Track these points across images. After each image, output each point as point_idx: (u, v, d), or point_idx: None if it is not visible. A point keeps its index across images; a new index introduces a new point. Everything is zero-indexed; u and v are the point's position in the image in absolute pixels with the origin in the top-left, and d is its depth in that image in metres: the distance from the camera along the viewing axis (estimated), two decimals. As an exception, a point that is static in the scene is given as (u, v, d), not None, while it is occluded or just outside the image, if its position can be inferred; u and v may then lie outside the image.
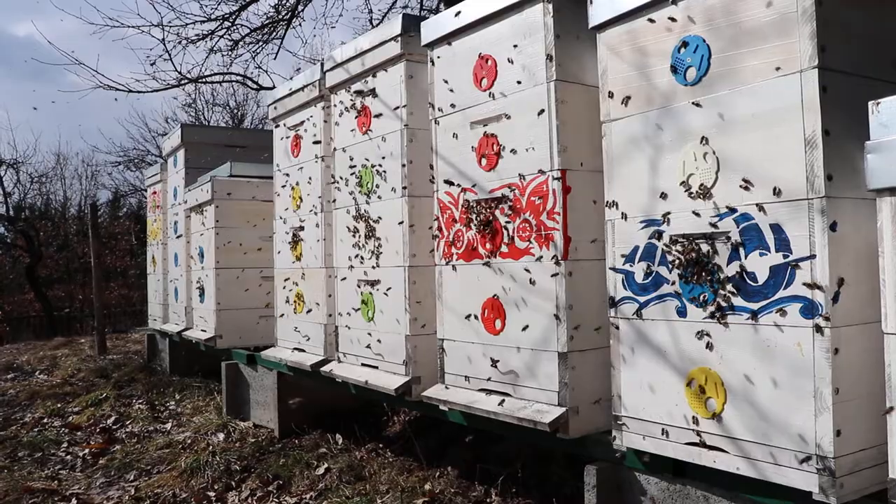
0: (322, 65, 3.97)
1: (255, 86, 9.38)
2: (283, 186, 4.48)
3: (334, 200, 3.81)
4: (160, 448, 4.54)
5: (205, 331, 5.61)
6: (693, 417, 2.06)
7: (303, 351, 4.21)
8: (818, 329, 1.77)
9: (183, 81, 8.26)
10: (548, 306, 2.48)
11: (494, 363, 2.69)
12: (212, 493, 3.75)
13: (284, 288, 4.44)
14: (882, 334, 1.65)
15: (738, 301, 1.94)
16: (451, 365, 2.93)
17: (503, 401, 2.64)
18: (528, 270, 2.56)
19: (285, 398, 4.49)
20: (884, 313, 1.64)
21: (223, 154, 6.22)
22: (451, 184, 2.92)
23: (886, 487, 1.65)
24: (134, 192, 19.75)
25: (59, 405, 5.94)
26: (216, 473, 3.95)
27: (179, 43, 8.25)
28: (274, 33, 9.04)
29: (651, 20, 2.18)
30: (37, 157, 33.86)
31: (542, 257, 2.51)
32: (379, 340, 3.41)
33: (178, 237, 6.51)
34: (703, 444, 2.04)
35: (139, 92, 8.08)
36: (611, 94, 2.30)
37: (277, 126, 4.58)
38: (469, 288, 2.82)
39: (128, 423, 5.31)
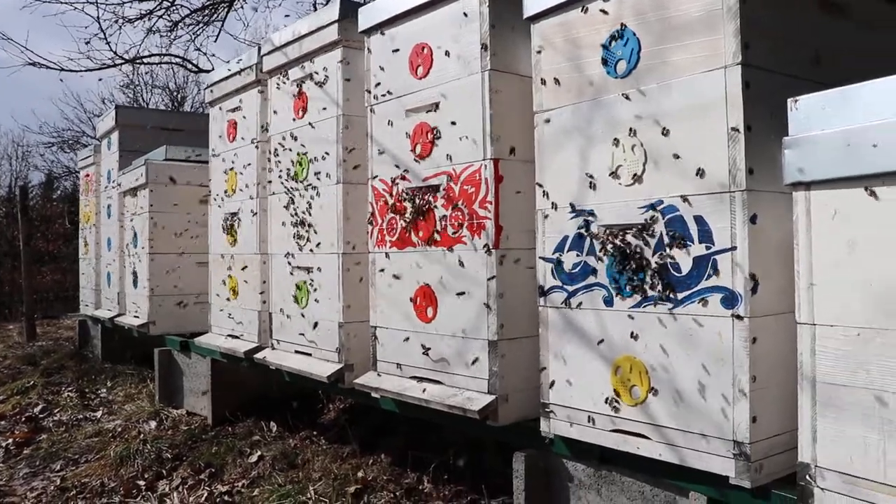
0: (259, 48, 3.90)
1: (194, 68, 9.18)
2: (219, 171, 4.40)
3: (270, 186, 3.76)
4: (89, 437, 4.44)
5: (138, 317, 5.49)
6: (618, 405, 2.09)
7: (237, 337, 4.15)
8: (737, 319, 1.81)
9: (118, 62, 8.02)
10: (479, 295, 2.49)
11: (426, 351, 2.69)
12: (142, 482, 3.68)
13: (219, 274, 4.37)
14: (796, 324, 1.70)
15: (662, 291, 1.97)
16: (383, 352, 2.93)
17: (433, 388, 2.65)
18: (459, 259, 2.57)
19: (219, 385, 4.43)
20: (797, 304, 1.69)
21: (159, 137, 6.07)
22: (385, 171, 2.90)
23: (796, 471, 1.70)
24: (68, 174, 19.11)
25: (-19, 394, 5.76)
26: (147, 462, 3.88)
27: (116, 22, 8.01)
28: (215, 15, 8.86)
29: (584, 12, 2.19)
30: (-38, 137, 32.36)
31: (473, 246, 2.52)
32: (313, 327, 3.38)
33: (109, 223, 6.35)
34: (627, 431, 2.07)
35: (72, 71, 7.82)
36: (543, 84, 2.31)
37: (214, 109, 4.49)
38: (402, 276, 2.82)
39: (56, 411, 5.17)
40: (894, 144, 1.49)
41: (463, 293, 2.55)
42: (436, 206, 2.66)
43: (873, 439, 1.54)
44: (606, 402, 2.12)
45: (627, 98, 2.06)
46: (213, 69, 6.91)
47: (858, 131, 1.56)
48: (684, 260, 1.92)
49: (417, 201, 2.73)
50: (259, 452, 3.83)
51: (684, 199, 1.92)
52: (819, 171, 1.64)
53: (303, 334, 3.46)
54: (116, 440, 4.27)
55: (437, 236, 2.66)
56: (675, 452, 1.95)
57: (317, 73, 3.39)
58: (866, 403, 1.55)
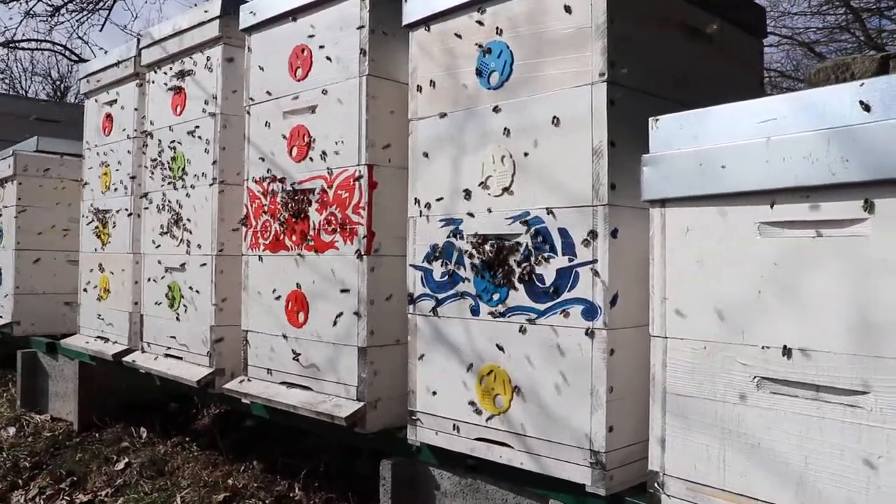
0: (139, 41, 3.74)
1: (75, 58, 8.72)
2: (93, 166, 4.18)
3: (145, 183, 3.59)
4: (-64, 446, 4.11)
5: (1, 317, 5.14)
6: (482, 413, 2.08)
7: (106, 340, 3.94)
8: (596, 331, 1.83)
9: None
10: (349, 301, 2.44)
11: (296, 356, 2.62)
12: (-8, 493, 3.44)
13: (89, 273, 4.15)
14: (650, 337, 1.74)
15: (526, 301, 1.98)
16: (254, 357, 2.83)
17: (303, 394, 2.58)
18: (332, 264, 2.51)
19: (87, 389, 4.20)
20: (651, 317, 1.72)
21: (32, 127, 5.74)
22: (261, 173, 2.82)
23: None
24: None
25: None
26: (1, 471, 3.63)
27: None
28: (101, 3, 8.46)
29: (460, 22, 2.18)
30: None
31: (346, 251, 2.47)
32: (184, 331, 3.24)
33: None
34: (490, 440, 2.07)
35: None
36: (419, 91, 2.29)
37: (89, 101, 4.27)
38: (274, 279, 2.74)
39: None
40: (740, 166, 1.54)
41: (334, 298, 2.50)
42: (310, 210, 2.60)
43: (715, 448, 1.59)
44: (471, 411, 2.11)
45: (499, 109, 2.06)
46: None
47: (709, 152, 1.60)
48: (548, 271, 1.93)
49: (292, 205, 2.66)
50: (126, 459, 3.65)
51: (549, 211, 1.93)
52: (674, 189, 1.68)
53: (174, 337, 3.32)
54: (-32, 448, 3.98)
55: (310, 240, 2.59)
56: (535, 461, 1.96)
57: (196, 69, 3.26)
58: (709, 414, 1.60)
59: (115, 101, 3.98)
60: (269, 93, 2.81)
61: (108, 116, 4.04)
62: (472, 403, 2.11)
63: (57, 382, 4.52)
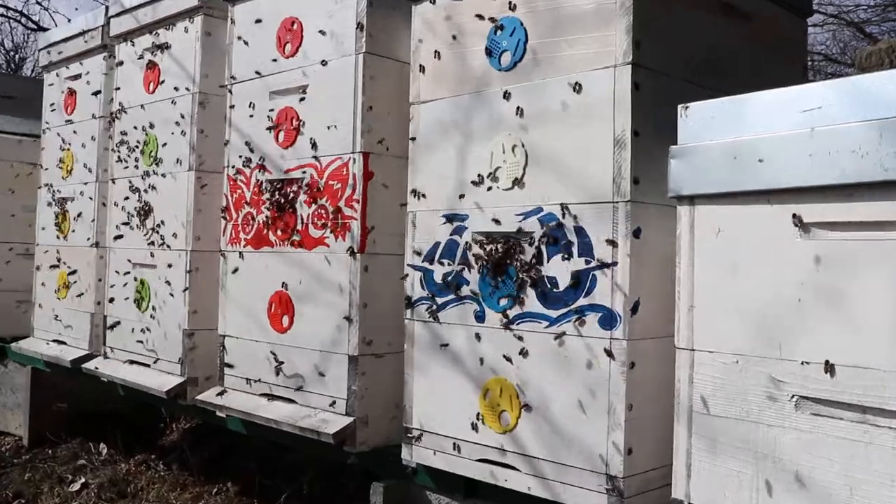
0: (107, 9, 3.75)
1: (33, 26, 8.73)
2: (53, 148, 4.19)
3: (111, 169, 3.61)
4: None
5: (-57, 317, 5.14)
6: (485, 431, 2.09)
7: (64, 343, 3.95)
8: (615, 341, 1.84)
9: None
10: (340, 303, 2.45)
11: (279, 365, 2.63)
12: (-72, 518, 3.45)
13: (46, 269, 4.16)
14: (675, 349, 1.74)
15: (538, 307, 1.99)
16: (231, 365, 2.85)
17: (285, 408, 2.59)
18: (321, 262, 2.53)
19: (40, 399, 4.21)
20: (676, 327, 1.73)
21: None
22: (243, 159, 2.84)
23: (669, 508, 1.75)
24: None
25: None
26: (-61, 492, 3.64)
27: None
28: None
29: (469, -4, 2.20)
30: None
31: (337, 249, 2.48)
32: (153, 335, 3.26)
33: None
34: (494, 461, 2.08)
35: None
36: (422, 72, 2.30)
37: (50, 75, 4.29)
38: (256, 279, 2.75)
39: None
40: (779, 160, 1.54)
41: (323, 301, 2.51)
42: (297, 203, 2.61)
43: (747, 475, 1.59)
44: (473, 429, 2.12)
45: (511, 93, 2.07)
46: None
47: (746, 144, 1.61)
48: (562, 274, 1.94)
49: (277, 196, 2.67)
50: (83, 479, 3.67)
51: (565, 207, 1.94)
52: (704, 185, 1.68)
53: (141, 342, 3.33)
54: None
55: (297, 236, 2.61)
56: (545, 486, 1.96)
57: (172, 42, 3.28)
58: (741, 436, 1.60)
59: (80, 75, 4.00)
60: (255, 71, 2.82)
61: (72, 93, 4.05)
62: (475, 421, 2.12)
63: (5, 392, 4.53)
